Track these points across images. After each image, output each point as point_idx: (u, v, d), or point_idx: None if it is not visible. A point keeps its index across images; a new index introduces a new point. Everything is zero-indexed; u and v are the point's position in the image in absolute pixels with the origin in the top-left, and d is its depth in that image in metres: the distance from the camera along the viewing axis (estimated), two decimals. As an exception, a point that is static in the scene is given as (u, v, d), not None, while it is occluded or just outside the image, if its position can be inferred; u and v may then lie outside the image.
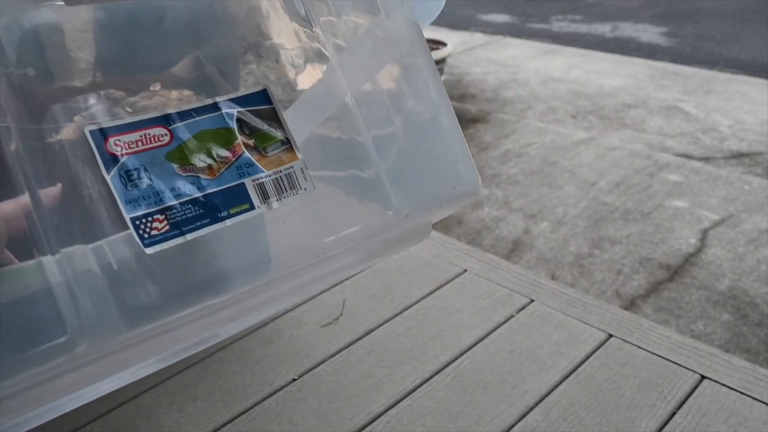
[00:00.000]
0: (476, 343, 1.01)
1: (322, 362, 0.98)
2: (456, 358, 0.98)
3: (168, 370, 0.97)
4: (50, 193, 0.44)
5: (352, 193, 0.57)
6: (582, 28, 4.19)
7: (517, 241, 1.86)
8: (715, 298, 1.59)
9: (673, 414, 0.88)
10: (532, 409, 0.89)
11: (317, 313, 1.08)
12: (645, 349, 0.99)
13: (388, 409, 0.90)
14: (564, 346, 1.00)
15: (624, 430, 0.86)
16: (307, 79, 0.57)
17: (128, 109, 0.51)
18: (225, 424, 0.88)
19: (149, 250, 0.44)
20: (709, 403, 0.89)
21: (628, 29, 4.11)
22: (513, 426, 0.86)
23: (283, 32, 0.57)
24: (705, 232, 1.87)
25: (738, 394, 0.90)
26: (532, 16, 4.51)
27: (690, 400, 0.90)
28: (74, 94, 0.50)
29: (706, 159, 2.35)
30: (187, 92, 0.53)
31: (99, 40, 0.52)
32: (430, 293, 1.13)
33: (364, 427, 0.87)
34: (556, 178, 2.21)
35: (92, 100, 0.50)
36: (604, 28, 4.16)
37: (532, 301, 1.10)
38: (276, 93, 0.57)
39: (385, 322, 1.06)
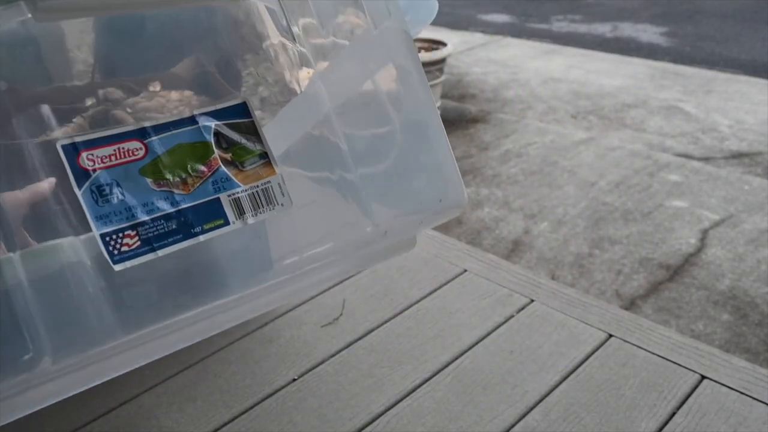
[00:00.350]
0: (476, 343, 1.01)
1: (322, 362, 0.98)
2: (456, 358, 0.98)
3: (168, 370, 0.97)
4: (39, 188, 0.44)
5: (330, 209, 0.56)
6: (582, 28, 4.19)
7: (517, 241, 1.86)
8: (715, 298, 1.59)
9: (673, 414, 0.88)
10: (532, 409, 0.89)
11: (317, 313, 1.08)
12: (645, 349, 0.99)
13: (388, 409, 0.90)
14: (564, 346, 1.00)
15: (624, 430, 0.86)
16: (304, 80, 0.56)
17: (129, 110, 0.51)
18: (225, 424, 0.88)
19: (118, 267, 0.43)
20: (709, 403, 0.89)
21: (628, 29, 4.11)
22: (513, 426, 0.86)
23: (276, 41, 0.57)
24: (705, 232, 1.87)
25: (738, 394, 0.90)
26: (532, 16, 4.51)
27: (690, 400, 0.90)
28: (72, 94, 0.50)
29: (706, 159, 2.35)
30: (187, 92, 0.52)
31: (74, 54, 0.52)
32: (430, 293, 1.13)
33: (364, 427, 0.87)
34: (556, 178, 2.21)
35: (90, 101, 0.50)
36: (604, 28, 4.15)
37: (532, 301, 1.10)
38: (275, 92, 0.57)
39: (385, 322, 1.06)
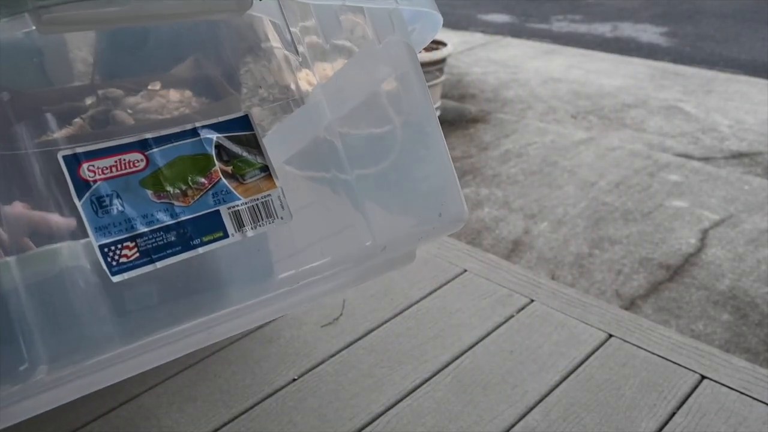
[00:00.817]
0: (476, 343, 1.01)
1: (322, 362, 0.98)
2: (456, 358, 0.98)
3: (168, 370, 0.97)
4: (51, 218, 0.44)
5: (329, 222, 0.56)
6: (582, 28, 4.19)
7: (517, 241, 1.86)
8: (715, 298, 1.59)
9: (673, 414, 0.88)
10: (532, 409, 0.89)
11: (317, 313, 1.08)
12: (645, 349, 0.99)
13: (388, 409, 0.90)
14: (564, 346, 1.00)
15: (624, 430, 0.86)
16: (303, 82, 0.56)
17: (129, 111, 0.51)
18: (225, 424, 0.88)
19: (116, 278, 0.43)
20: (709, 403, 0.89)
21: (628, 29, 4.11)
22: (513, 426, 0.87)
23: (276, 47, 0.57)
24: (705, 232, 1.87)
25: (738, 394, 0.91)
26: (532, 16, 4.51)
27: (690, 400, 0.90)
28: (72, 95, 0.50)
29: (706, 159, 2.35)
30: (187, 93, 0.52)
31: (74, 53, 0.52)
32: (430, 293, 1.13)
33: (364, 427, 0.87)
34: (556, 178, 2.21)
35: (90, 100, 0.50)
36: (604, 28, 4.15)
37: (532, 301, 1.10)
38: (274, 93, 0.57)
39: (385, 322, 1.06)
